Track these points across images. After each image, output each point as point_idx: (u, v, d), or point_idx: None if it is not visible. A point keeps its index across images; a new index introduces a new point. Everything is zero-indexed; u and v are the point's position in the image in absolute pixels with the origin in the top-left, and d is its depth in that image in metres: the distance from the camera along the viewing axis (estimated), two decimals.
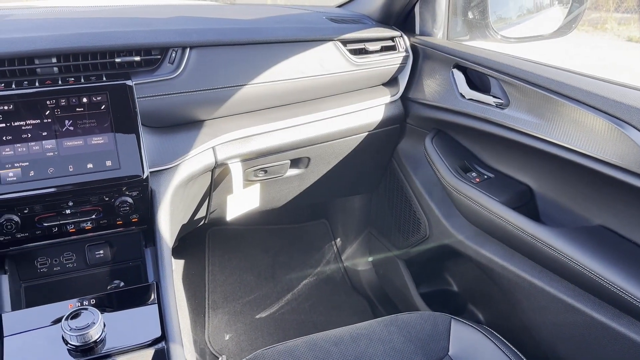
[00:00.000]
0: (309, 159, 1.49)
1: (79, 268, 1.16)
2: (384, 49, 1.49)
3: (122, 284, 1.14)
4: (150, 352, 0.94)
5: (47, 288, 1.14)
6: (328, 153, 1.52)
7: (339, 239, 2.19)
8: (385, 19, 1.57)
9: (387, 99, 1.53)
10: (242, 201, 1.39)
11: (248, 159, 1.34)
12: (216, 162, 1.26)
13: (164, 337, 0.96)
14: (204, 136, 1.25)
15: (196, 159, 1.22)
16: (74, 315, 0.91)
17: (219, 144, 1.27)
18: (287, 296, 2.02)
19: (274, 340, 1.80)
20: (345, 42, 1.42)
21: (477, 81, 1.38)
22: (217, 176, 1.34)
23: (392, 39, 1.51)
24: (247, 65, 1.29)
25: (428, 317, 1.19)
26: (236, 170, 1.31)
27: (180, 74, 1.20)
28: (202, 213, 1.48)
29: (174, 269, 1.18)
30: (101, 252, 1.17)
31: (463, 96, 1.37)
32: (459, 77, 1.39)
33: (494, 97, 1.30)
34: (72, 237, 1.12)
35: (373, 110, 1.50)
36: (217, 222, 1.64)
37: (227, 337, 1.80)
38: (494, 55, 1.32)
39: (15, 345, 0.93)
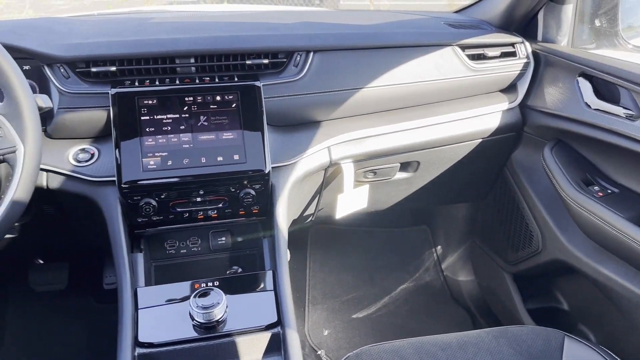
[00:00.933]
0: (418, 163, 1.50)
1: (203, 252, 1.26)
2: (504, 55, 1.46)
3: (240, 269, 1.22)
4: (267, 335, 1.00)
5: (173, 268, 1.24)
6: (439, 158, 1.51)
7: (439, 247, 2.16)
8: (506, 25, 1.53)
9: (505, 105, 1.49)
10: (351, 201, 1.43)
11: (360, 160, 1.37)
12: (330, 161, 1.30)
13: (279, 322, 1.02)
14: (320, 136, 1.30)
15: (312, 158, 1.27)
16: (202, 294, 0.99)
17: (334, 144, 1.31)
18: (385, 299, 2.02)
19: (371, 341, 1.81)
20: (464, 47, 1.41)
21: (605, 91, 1.31)
22: (329, 175, 1.38)
23: (512, 45, 1.47)
24: (366, 69, 1.32)
25: (540, 332, 1.15)
26: (348, 170, 1.35)
27: (304, 77, 1.26)
28: (311, 210, 1.53)
29: None
30: (223, 238, 1.26)
31: (589, 106, 1.31)
32: (585, 86, 1.33)
33: (623, 108, 1.23)
34: (199, 223, 1.21)
35: (489, 116, 1.48)
36: (323, 220, 1.69)
37: (325, 333, 1.85)
38: (625, 65, 1.24)
39: (148, 317, 1.03)
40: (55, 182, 1.13)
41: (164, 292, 1.09)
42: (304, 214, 1.53)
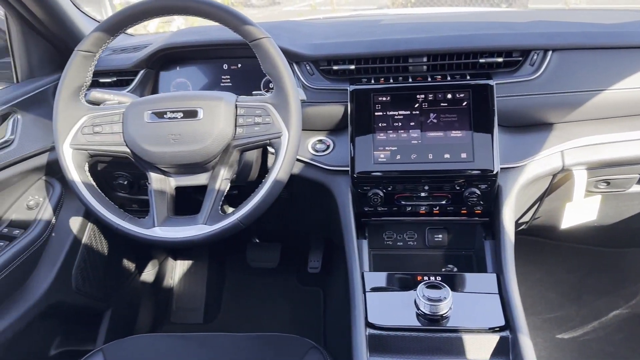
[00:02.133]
0: None
1: (418, 247, 1.28)
2: None
3: (455, 269, 1.22)
4: (494, 338, 0.98)
5: (389, 259, 1.28)
6: None
7: None
8: None
9: None
10: (580, 211, 1.33)
11: (594, 168, 1.27)
12: (563, 166, 1.23)
13: (507, 326, 0.99)
14: (553, 139, 1.23)
15: (543, 161, 1.21)
16: (430, 286, 1.01)
17: (567, 148, 1.23)
18: (594, 323, 1.84)
19: None
20: None
21: None
22: (557, 182, 1.30)
23: None
24: (609, 69, 1.22)
25: None
26: (580, 178, 1.25)
27: (540, 76, 1.21)
28: (526, 217, 1.46)
29: None
30: (440, 236, 1.27)
31: None
32: None
33: None
34: (419, 218, 1.24)
35: None
36: (535, 229, 1.60)
37: None
38: None
39: (375, 300, 1.08)
40: (296, 169, 1.25)
41: (388, 279, 1.13)
42: (519, 221, 1.46)
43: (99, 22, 1.52)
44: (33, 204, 1.31)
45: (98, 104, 1.15)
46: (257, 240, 2.05)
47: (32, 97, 1.34)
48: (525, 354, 0.93)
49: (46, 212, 1.30)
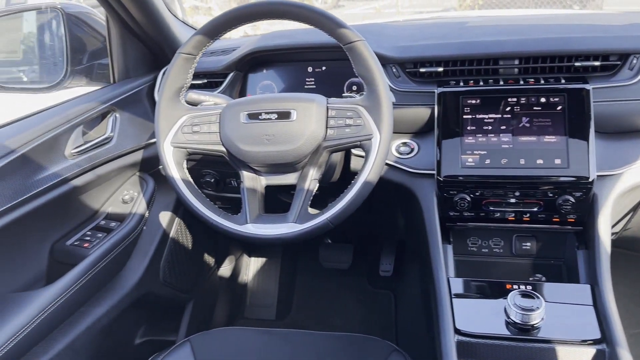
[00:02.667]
0: None
1: (504, 255, 1.26)
2: None
3: (543, 278, 1.18)
4: (590, 351, 0.95)
5: (473, 265, 1.26)
6: None
7: None
8: None
9: None
10: None
11: None
12: None
13: (604, 339, 0.96)
14: None
15: None
16: (522, 295, 0.99)
17: None
18: None
19: None
20: None
21: None
22: None
23: None
24: None
25: None
26: None
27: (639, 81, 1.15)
28: (616, 228, 1.40)
29: None
30: (528, 244, 1.23)
31: None
32: None
33: None
34: (507, 225, 1.21)
35: None
36: (625, 240, 1.53)
37: None
38: None
39: (462, 306, 1.07)
40: None
41: (474, 286, 1.11)
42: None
43: (191, 26, 1.59)
44: (128, 198, 1.39)
45: (194, 105, 1.20)
46: (330, 241, 2.07)
47: (128, 97, 1.41)
48: None
49: (140, 207, 1.37)
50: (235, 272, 2.03)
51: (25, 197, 1.10)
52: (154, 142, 1.42)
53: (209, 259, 1.78)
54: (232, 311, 2.00)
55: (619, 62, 1.18)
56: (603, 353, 0.94)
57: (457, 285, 1.12)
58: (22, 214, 1.10)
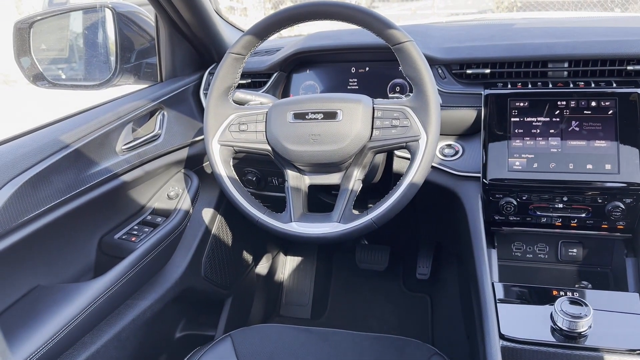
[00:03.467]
0: None
1: (549, 261, 1.23)
2: None
3: (589, 285, 1.15)
4: None
5: (516, 270, 1.25)
6: None
7: None
8: None
9: None
10: None
11: None
12: None
13: None
14: None
15: None
16: (571, 301, 0.97)
17: None
18: None
19: None
20: None
21: None
22: None
23: None
24: None
25: None
26: None
27: None
28: None
29: None
30: (574, 250, 1.21)
31: None
32: None
33: None
34: (554, 230, 1.19)
35: None
36: None
37: None
38: None
39: (506, 312, 1.05)
40: None
41: (519, 291, 1.10)
42: None
43: (237, 27, 1.61)
44: (173, 194, 1.42)
45: (241, 104, 1.22)
46: (366, 242, 2.07)
47: (175, 96, 1.45)
48: None
49: (185, 203, 1.40)
50: (272, 271, 2.05)
51: (77, 190, 1.13)
52: (199, 140, 1.45)
53: (247, 257, 1.81)
54: (268, 309, 2.02)
55: None
56: None
57: (501, 290, 1.10)
58: (73, 208, 1.13)
